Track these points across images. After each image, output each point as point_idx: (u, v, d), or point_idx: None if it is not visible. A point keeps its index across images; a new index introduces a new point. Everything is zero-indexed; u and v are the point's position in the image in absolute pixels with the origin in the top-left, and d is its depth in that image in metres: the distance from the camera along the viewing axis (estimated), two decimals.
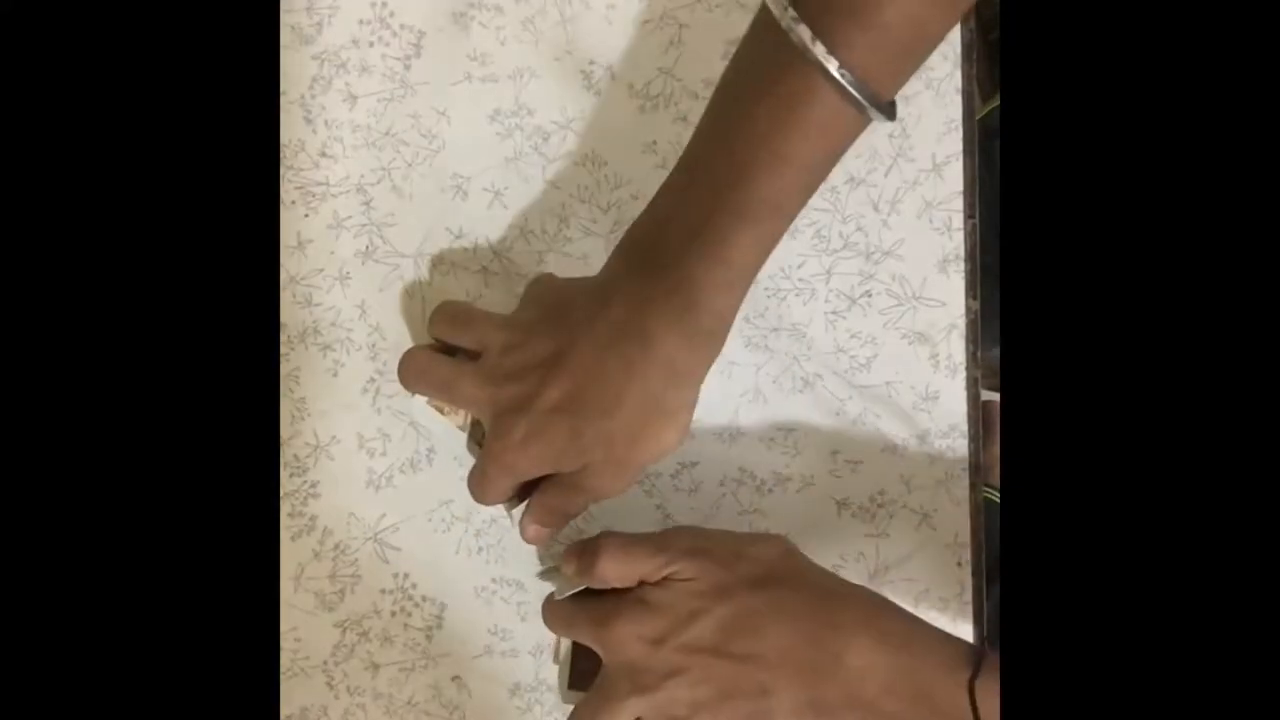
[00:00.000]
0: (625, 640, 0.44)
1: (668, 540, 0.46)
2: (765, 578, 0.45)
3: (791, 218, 0.43)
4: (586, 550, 0.46)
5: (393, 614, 0.52)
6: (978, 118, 0.53)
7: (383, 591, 0.52)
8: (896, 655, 0.43)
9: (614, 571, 0.45)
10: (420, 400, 0.47)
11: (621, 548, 0.45)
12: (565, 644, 0.49)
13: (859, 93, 0.39)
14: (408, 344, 0.51)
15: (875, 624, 0.44)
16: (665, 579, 0.45)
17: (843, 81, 0.39)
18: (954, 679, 0.42)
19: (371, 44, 0.51)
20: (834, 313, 0.53)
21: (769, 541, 0.46)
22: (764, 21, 0.41)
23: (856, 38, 0.39)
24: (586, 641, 0.46)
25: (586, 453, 0.44)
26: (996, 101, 0.70)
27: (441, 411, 0.49)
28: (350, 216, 0.51)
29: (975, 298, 0.53)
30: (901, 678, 0.43)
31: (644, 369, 0.43)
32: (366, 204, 0.51)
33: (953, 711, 0.42)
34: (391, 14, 0.51)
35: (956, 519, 0.54)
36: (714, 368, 0.52)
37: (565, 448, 0.44)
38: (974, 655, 0.43)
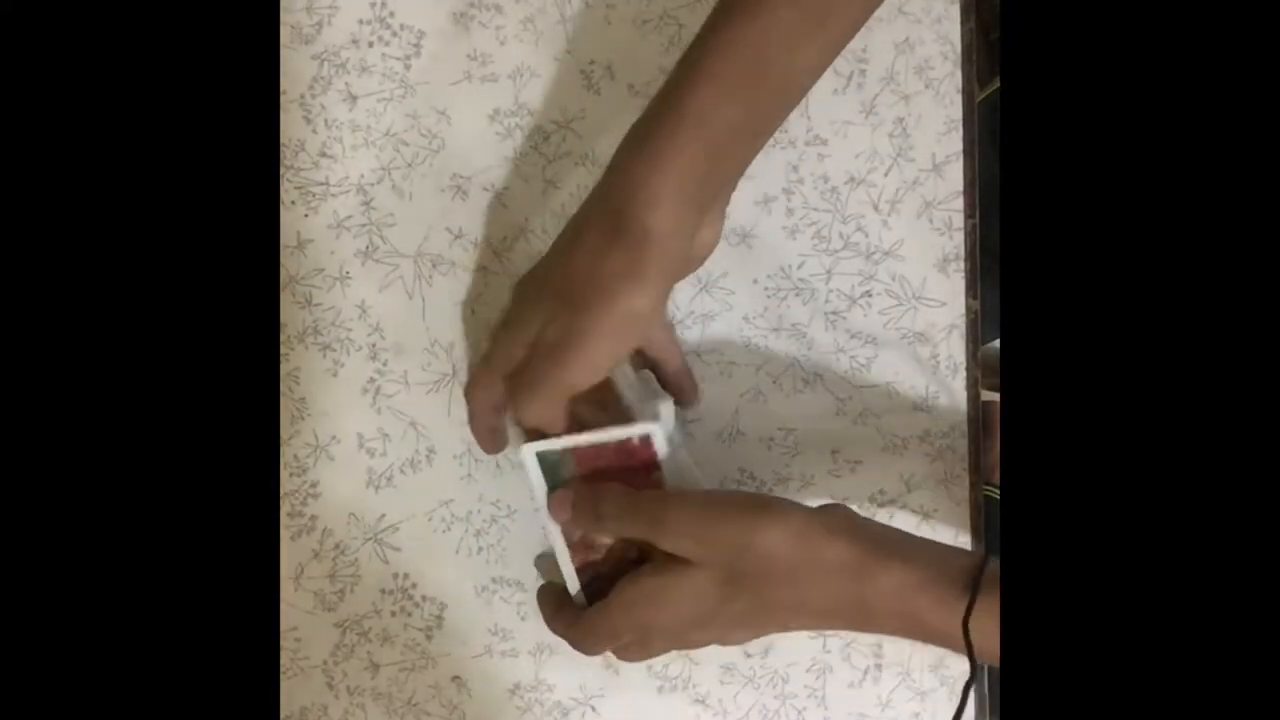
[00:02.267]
0: (672, 627, 0.45)
1: (671, 514, 0.44)
2: (780, 574, 0.43)
3: (718, 128, 0.42)
4: (587, 495, 0.46)
5: (393, 614, 0.52)
6: (978, 100, 0.53)
7: (383, 591, 0.52)
8: (917, 622, 0.43)
9: (612, 518, 0.45)
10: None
11: (626, 496, 0.45)
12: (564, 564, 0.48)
13: None
14: (408, 344, 0.51)
15: (901, 606, 0.43)
16: (670, 556, 0.44)
17: None
18: (954, 616, 0.42)
19: (371, 44, 0.51)
20: (834, 313, 0.53)
21: (776, 530, 0.43)
22: None
23: None
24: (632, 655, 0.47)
25: (546, 308, 0.44)
26: (995, 85, 0.70)
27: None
28: (350, 216, 0.51)
29: (975, 297, 0.53)
30: (917, 629, 0.44)
31: (601, 257, 0.43)
32: (366, 204, 0.51)
33: (950, 641, 0.43)
34: (391, 14, 0.51)
35: (956, 519, 0.54)
36: (714, 367, 0.52)
37: (534, 313, 0.44)
38: (972, 580, 0.43)
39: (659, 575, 0.45)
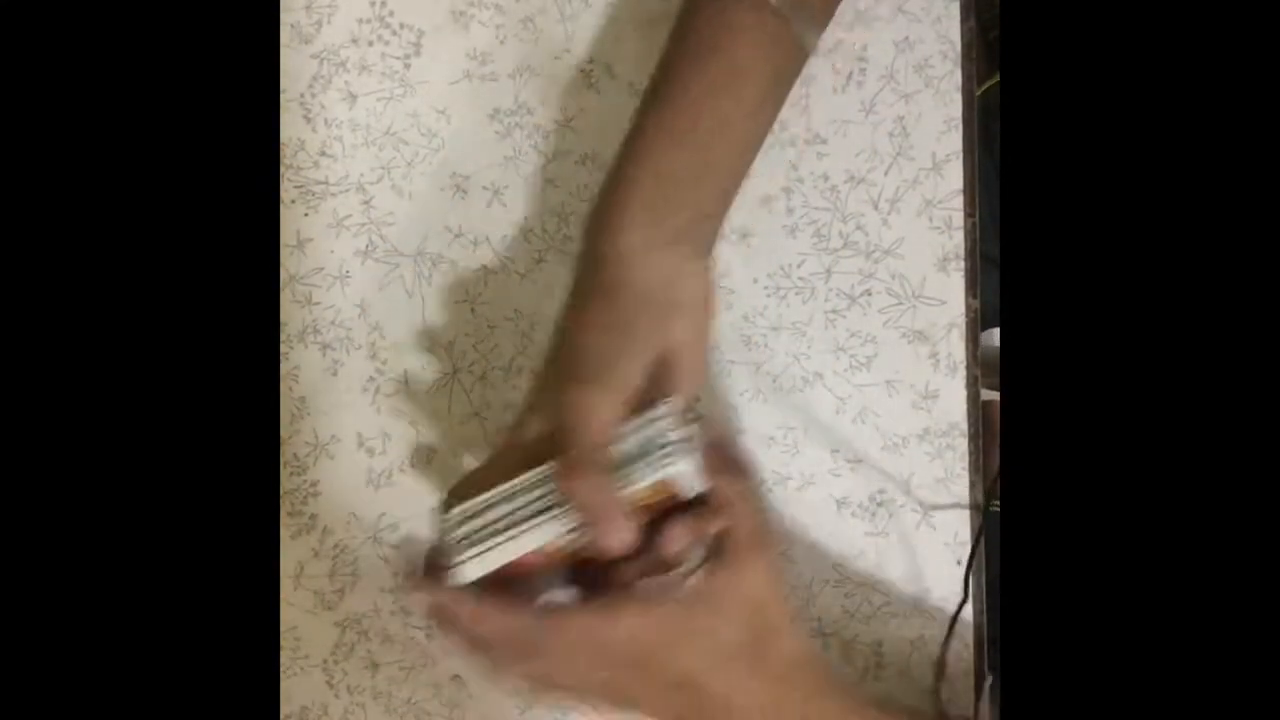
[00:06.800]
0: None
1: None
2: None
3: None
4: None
5: (392, 613, 0.52)
6: (976, 94, 0.53)
7: (382, 590, 0.52)
8: None
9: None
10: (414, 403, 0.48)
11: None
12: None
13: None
14: (407, 343, 0.51)
15: None
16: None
17: None
18: None
19: (371, 43, 0.51)
20: (834, 311, 0.53)
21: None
22: None
23: None
24: None
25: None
26: (992, 80, 0.70)
27: None
28: (350, 215, 0.51)
29: (975, 296, 0.53)
30: None
31: None
32: (366, 203, 0.51)
33: None
34: (391, 13, 0.51)
35: (956, 518, 0.54)
36: (714, 366, 0.52)
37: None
38: None
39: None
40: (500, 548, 0.41)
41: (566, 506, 0.41)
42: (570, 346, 0.44)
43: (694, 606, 0.43)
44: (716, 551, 0.43)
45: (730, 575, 0.43)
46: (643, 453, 0.42)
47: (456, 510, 0.42)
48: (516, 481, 0.42)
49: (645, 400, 0.42)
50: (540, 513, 0.41)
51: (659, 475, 0.41)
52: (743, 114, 0.45)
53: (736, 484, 0.44)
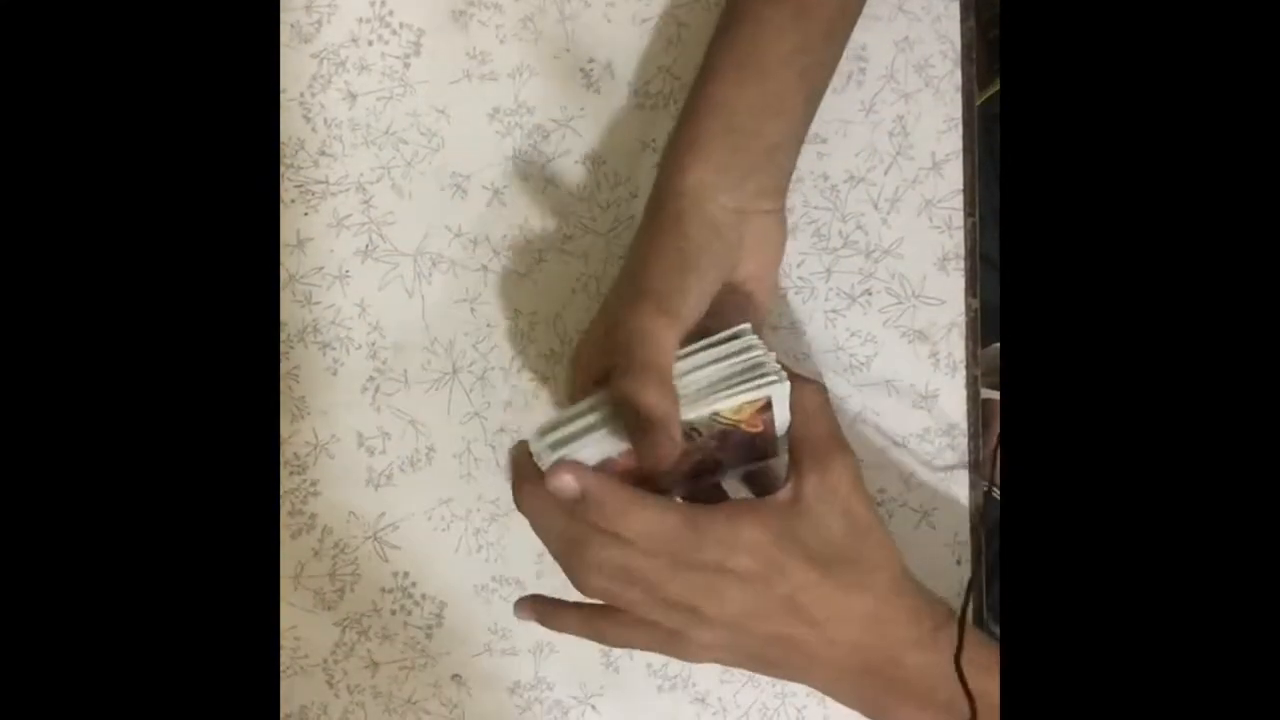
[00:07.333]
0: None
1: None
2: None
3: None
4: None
5: (392, 612, 0.52)
6: (978, 104, 0.53)
7: (382, 590, 0.52)
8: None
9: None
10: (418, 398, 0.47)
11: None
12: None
13: None
14: (407, 343, 0.51)
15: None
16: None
17: None
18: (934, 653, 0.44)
19: (371, 42, 0.51)
20: (833, 311, 0.53)
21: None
22: None
23: None
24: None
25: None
26: (994, 88, 0.70)
27: None
28: (350, 215, 0.51)
29: (975, 296, 0.53)
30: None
31: None
32: (366, 202, 0.51)
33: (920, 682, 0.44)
34: (391, 12, 0.51)
35: (956, 518, 0.54)
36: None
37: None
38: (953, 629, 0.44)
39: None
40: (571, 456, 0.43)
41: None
42: (633, 273, 0.45)
43: (789, 513, 0.43)
44: (797, 458, 0.44)
45: (817, 480, 0.43)
46: (738, 371, 0.43)
47: (537, 431, 0.43)
48: (584, 403, 0.43)
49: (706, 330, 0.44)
50: (604, 429, 0.43)
51: (759, 394, 0.42)
52: (809, 49, 0.46)
53: (804, 389, 0.44)
